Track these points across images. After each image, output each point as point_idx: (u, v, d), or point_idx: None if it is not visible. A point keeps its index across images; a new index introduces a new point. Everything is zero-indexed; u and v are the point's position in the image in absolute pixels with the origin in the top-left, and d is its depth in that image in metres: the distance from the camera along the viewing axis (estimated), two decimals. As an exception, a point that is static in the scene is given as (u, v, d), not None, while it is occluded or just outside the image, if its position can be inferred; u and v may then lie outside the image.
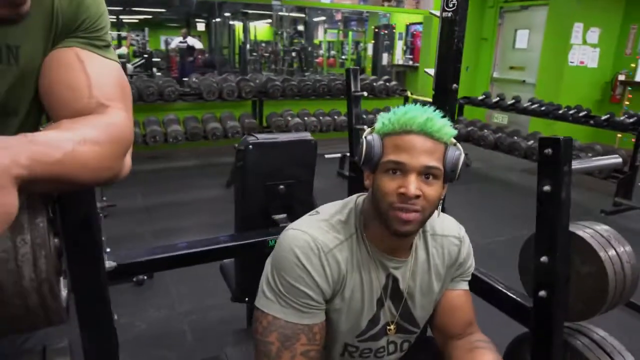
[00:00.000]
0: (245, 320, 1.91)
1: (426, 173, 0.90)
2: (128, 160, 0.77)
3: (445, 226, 1.10)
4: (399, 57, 11.04)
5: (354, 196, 1.07)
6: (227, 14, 12.15)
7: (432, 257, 1.06)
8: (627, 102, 6.45)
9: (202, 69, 9.09)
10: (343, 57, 14.10)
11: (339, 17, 14.07)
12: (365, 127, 2.10)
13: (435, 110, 0.93)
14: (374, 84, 6.21)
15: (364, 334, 1.04)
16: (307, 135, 1.51)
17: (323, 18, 14.55)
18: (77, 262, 0.83)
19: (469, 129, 5.40)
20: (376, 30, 11.43)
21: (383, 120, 0.95)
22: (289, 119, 5.49)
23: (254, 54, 11.51)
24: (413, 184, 0.88)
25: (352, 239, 0.98)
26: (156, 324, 2.35)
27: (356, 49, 13.48)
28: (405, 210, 0.89)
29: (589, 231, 1.30)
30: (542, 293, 1.23)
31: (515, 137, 4.84)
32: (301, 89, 5.68)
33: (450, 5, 1.50)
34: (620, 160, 1.38)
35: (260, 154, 1.42)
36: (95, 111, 0.73)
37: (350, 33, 13.98)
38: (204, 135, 5.09)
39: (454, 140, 0.95)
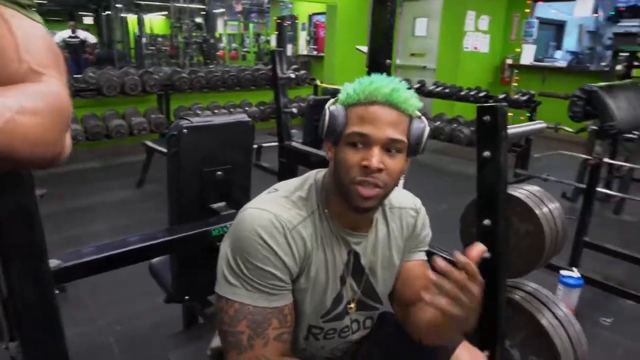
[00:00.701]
0: (182, 321, 1.80)
1: (390, 146, 0.88)
2: (69, 139, 0.67)
3: (402, 198, 1.10)
4: (303, 48, 11.10)
5: (313, 172, 1.03)
6: (118, 5, 11.38)
7: (392, 231, 1.05)
8: (515, 84, 7.04)
9: (97, 64, 8.45)
10: (245, 49, 13.88)
11: (239, 8, 13.80)
12: (294, 110, 2.06)
13: (400, 82, 0.91)
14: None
15: (329, 314, 1.00)
16: (243, 117, 1.44)
17: (222, 10, 14.19)
18: (15, 262, 0.70)
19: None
20: (278, 21, 11.40)
21: (347, 90, 0.92)
22: (199, 112, 5.28)
23: (151, 47, 10.94)
24: (376, 157, 0.86)
25: (314, 215, 0.95)
26: (77, 341, 2.12)
27: (257, 41, 13.31)
28: (367, 184, 0.87)
29: (523, 192, 1.38)
30: (486, 255, 1.29)
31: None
32: (209, 81, 5.48)
33: (380, -20, 1.50)
34: (545, 125, 1.48)
35: (195, 139, 1.33)
36: (27, 78, 0.62)
37: (251, 25, 13.79)
38: (106, 134, 4.72)
39: (419, 113, 0.94)
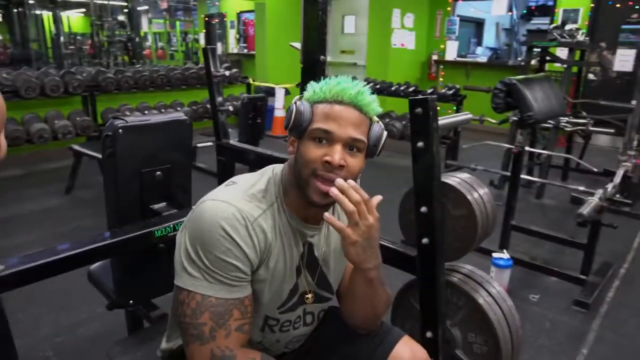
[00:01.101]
0: (125, 327, 1.74)
1: (351, 145, 0.91)
2: (3, 140, 0.64)
3: None
4: (233, 46, 10.94)
5: (271, 166, 1.04)
6: (31, 2, 10.64)
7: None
8: (441, 79, 7.36)
9: (10, 65, 7.87)
10: (173, 48, 13.47)
11: (164, 6, 13.36)
12: (230, 107, 2.04)
13: (364, 86, 0.94)
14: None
15: (285, 305, 1.02)
16: (180, 115, 1.41)
17: (146, 7, 13.67)
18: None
19: (314, 110, 5.63)
20: (206, 19, 11.16)
21: (314, 88, 0.94)
22: (128, 113, 5.08)
23: (71, 47, 10.34)
24: (338, 154, 0.89)
25: (273, 207, 0.96)
26: (9, 357, 2.00)
27: (184, 39, 12.95)
28: (327, 180, 0.89)
29: (456, 179, 1.46)
30: (425, 240, 1.35)
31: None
32: (137, 81, 5.28)
33: (312, -22, 1.53)
34: (471, 115, 1.58)
35: (131, 139, 1.28)
36: None
37: (177, 23, 13.40)
38: (27, 138, 4.42)
39: (377, 118, 0.98)
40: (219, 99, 2.03)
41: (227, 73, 2.15)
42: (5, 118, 0.63)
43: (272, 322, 1.03)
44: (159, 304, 1.61)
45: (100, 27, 9.80)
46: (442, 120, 1.40)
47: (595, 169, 3.44)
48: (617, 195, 2.99)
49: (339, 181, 0.86)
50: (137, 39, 10.61)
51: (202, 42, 11.61)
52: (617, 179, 2.48)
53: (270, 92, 6.16)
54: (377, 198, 0.91)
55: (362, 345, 1.11)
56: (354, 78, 0.98)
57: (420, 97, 1.30)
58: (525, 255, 2.93)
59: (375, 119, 0.97)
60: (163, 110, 5.33)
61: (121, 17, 11.45)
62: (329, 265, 1.07)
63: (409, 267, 1.44)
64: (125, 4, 11.24)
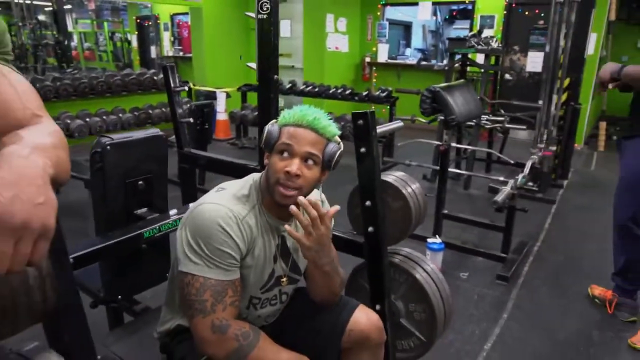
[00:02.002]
0: (107, 323, 1.89)
1: (307, 158, 1.16)
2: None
3: (312, 194, 1.39)
4: (168, 49, 10.85)
5: (252, 175, 1.28)
6: None
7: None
8: (374, 80, 7.78)
9: None
10: (101, 48, 13.07)
11: (92, 6, 12.93)
12: (190, 120, 2.24)
13: (325, 114, 1.20)
14: (155, 77, 6.09)
15: (265, 286, 1.27)
16: (157, 132, 1.61)
17: (70, 7, 13.14)
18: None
19: (256, 113, 5.82)
20: (138, 20, 10.97)
21: (284, 114, 1.19)
22: (68, 121, 5.04)
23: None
24: (295, 165, 1.14)
25: (255, 209, 1.20)
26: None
27: (112, 39, 12.57)
28: (287, 186, 1.15)
29: (392, 177, 1.76)
30: (370, 229, 1.63)
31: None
32: (77, 88, 5.25)
33: (265, 9, 1.77)
34: (402, 123, 1.88)
35: (118, 154, 1.47)
36: (32, 121, 0.79)
37: (105, 23, 13.01)
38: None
39: (338, 139, 1.23)
40: (179, 111, 2.21)
41: (186, 88, 2.33)
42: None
43: (255, 300, 1.28)
44: (140, 299, 1.80)
45: (21, 29, 9.34)
46: (380, 129, 1.69)
47: (511, 161, 3.90)
48: (530, 184, 3.46)
49: (300, 199, 1.11)
50: (65, 42, 10.25)
51: (135, 44, 11.42)
52: (526, 169, 2.91)
53: (211, 95, 6.29)
54: (335, 208, 1.18)
55: (326, 315, 1.37)
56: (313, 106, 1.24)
57: (362, 111, 1.58)
58: (456, 240, 3.33)
59: (337, 139, 1.23)
60: (105, 118, 5.31)
61: (42, 17, 10.97)
62: (298, 253, 1.33)
63: (357, 252, 1.72)
64: (48, 3, 10.80)
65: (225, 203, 1.15)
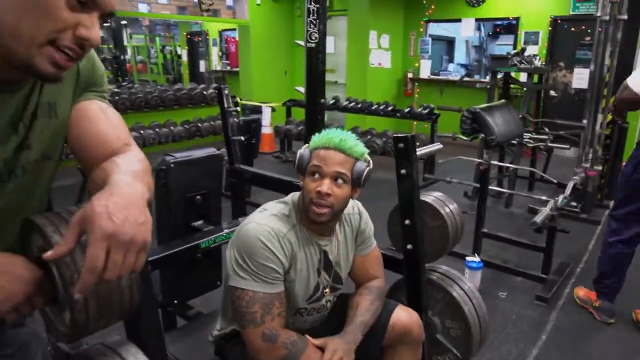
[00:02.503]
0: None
1: (337, 177, 1.27)
2: None
3: (349, 208, 1.50)
4: (216, 63, 11.27)
5: (292, 195, 1.41)
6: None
7: (346, 233, 1.47)
8: (416, 96, 7.84)
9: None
10: (152, 61, 13.67)
11: (146, 22, 13.58)
12: (242, 138, 2.39)
13: (351, 134, 1.31)
14: (205, 92, 6.39)
15: (311, 298, 1.39)
16: (214, 151, 1.77)
17: (125, 22, 13.84)
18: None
19: (300, 128, 5.99)
20: (189, 36, 11.45)
21: (314, 138, 1.32)
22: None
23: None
24: (326, 185, 1.26)
25: (295, 227, 1.33)
26: None
27: (163, 52, 13.14)
28: (319, 205, 1.26)
29: (431, 197, 1.85)
30: (409, 246, 1.72)
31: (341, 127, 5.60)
32: (133, 102, 5.60)
33: (313, 38, 1.90)
34: (441, 146, 1.97)
35: (180, 171, 1.64)
36: (122, 150, 0.94)
37: (157, 38, 13.61)
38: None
39: (367, 157, 1.34)
40: (232, 129, 2.38)
41: (238, 109, 2.50)
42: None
43: (302, 310, 1.39)
44: (194, 304, 1.95)
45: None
46: (420, 151, 1.78)
47: (555, 181, 3.89)
48: (573, 204, 3.44)
49: None
50: (122, 57, 10.82)
51: (185, 58, 11.92)
52: (568, 190, 2.91)
53: (257, 110, 6.52)
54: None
55: None
56: (341, 127, 1.36)
57: (403, 135, 1.67)
58: (495, 259, 3.34)
59: (366, 157, 1.33)
60: (158, 130, 5.62)
61: (100, 32, 11.58)
62: (340, 265, 1.45)
63: (396, 268, 1.81)
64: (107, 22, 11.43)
65: (267, 222, 1.27)
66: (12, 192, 0.88)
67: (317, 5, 1.84)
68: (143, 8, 6.36)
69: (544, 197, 3.28)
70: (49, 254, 0.71)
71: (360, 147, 1.32)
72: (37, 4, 0.69)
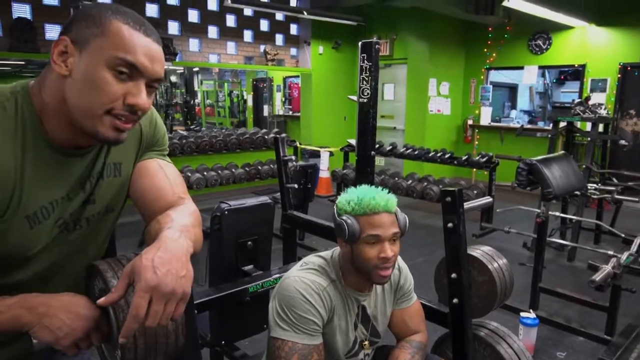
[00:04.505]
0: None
1: (392, 238, 1.31)
2: None
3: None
4: (279, 108, 11.72)
5: (329, 251, 1.46)
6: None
7: (385, 288, 1.49)
8: (476, 142, 7.74)
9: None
10: (220, 105, 14.41)
11: (216, 70, 14.45)
12: (295, 186, 2.49)
13: (381, 189, 1.35)
14: (266, 137, 6.67)
15: (350, 352, 1.42)
16: (266, 199, 1.87)
17: (197, 69, 14.80)
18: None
19: (356, 173, 6.08)
20: (254, 82, 12.04)
21: (352, 205, 1.31)
22: (189, 174, 5.66)
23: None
24: (389, 249, 1.30)
25: (335, 282, 1.37)
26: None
27: (230, 97, 13.84)
28: (385, 268, 1.30)
29: (479, 252, 1.84)
30: (455, 300, 1.71)
31: (397, 178, 5.62)
32: (199, 146, 5.93)
33: (365, 94, 2.00)
34: (491, 200, 1.97)
35: (233, 218, 1.75)
36: (177, 203, 1.04)
37: (225, 84, 14.38)
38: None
39: (396, 208, 1.37)
40: (286, 176, 2.49)
41: (293, 158, 2.63)
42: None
43: None
44: (241, 346, 2.01)
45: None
46: (468, 205, 1.79)
47: (622, 235, 3.68)
48: (641, 261, 3.23)
49: None
50: (192, 101, 11.54)
51: (250, 103, 12.51)
52: (634, 247, 2.76)
53: (316, 154, 6.69)
54: None
55: None
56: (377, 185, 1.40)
57: (451, 189, 1.70)
58: (554, 316, 3.18)
59: (397, 209, 1.35)
60: (220, 172, 5.91)
61: (173, 78, 12.48)
62: (377, 319, 1.47)
63: (442, 321, 1.80)
64: (180, 68, 12.31)
65: (307, 276, 1.33)
66: (75, 240, 1.00)
67: (370, 64, 1.94)
68: (213, 58, 6.81)
69: (610, 252, 3.12)
70: (102, 300, 0.82)
71: (395, 199, 1.35)
72: (92, 83, 0.84)
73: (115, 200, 1.04)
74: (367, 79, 1.98)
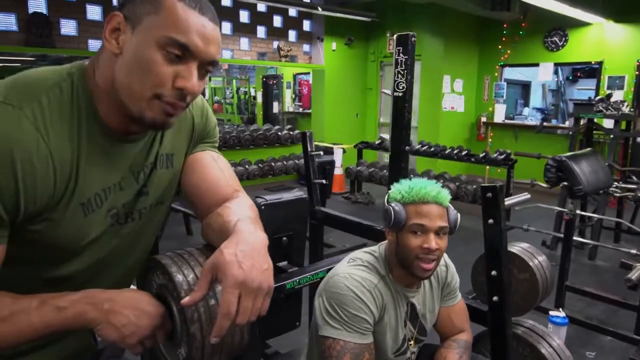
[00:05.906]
0: None
1: (439, 231, 1.28)
2: None
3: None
4: (289, 105, 11.69)
5: (376, 247, 1.43)
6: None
7: (433, 285, 1.46)
8: (490, 140, 7.68)
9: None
10: (227, 101, 14.40)
11: (225, 66, 14.43)
12: (324, 181, 2.46)
13: (436, 183, 1.32)
14: (279, 133, 6.64)
15: (399, 350, 1.38)
16: (301, 194, 1.84)
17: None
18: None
19: (371, 170, 6.04)
20: (264, 79, 12.02)
21: (402, 193, 1.30)
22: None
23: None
24: (434, 241, 1.26)
25: (384, 278, 1.34)
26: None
27: (237, 94, 13.82)
28: (427, 260, 1.26)
29: (518, 248, 1.80)
30: (495, 298, 1.67)
31: (412, 176, 5.59)
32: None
33: (400, 88, 1.96)
34: (529, 196, 1.93)
35: (269, 212, 1.71)
36: (233, 196, 1.01)
37: (234, 81, 14.37)
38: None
39: (449, 204, 1.34)
40: (314, 172, 2.46)
41: (321, 153, 2.59)
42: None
43: None
44: (271, 343, 1.99)
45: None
46: (508, 201, 1.75)
47: (644, 233, 3.63)
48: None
49: None
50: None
51: (260, 99, 12.49)
52: (665, 246, 2.71)
53: (329, 151, 6.67)
54: None
55: None
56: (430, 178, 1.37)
57: (491, 185, 1.66)
58: (580, 314, 3.13)
59: (449, 204, 1.32)
60: (247, 167, 5.88)
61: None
62: (425, 317, 1.44)
63: (480, 320, 1.76)
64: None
65: (357, 273, 1.29)
66: (127, 234, 0.97)
67: (406, 57, 1.91)
68: (226, 54, 6.79)
69: (633, 251, 3.08)
70: (186, 300, 0.78)
71: (448, 194, 1.32)
72: (141, 63, 0.79)
73: (166, 192, 1.01)
74: (402, 72, 1.95)
